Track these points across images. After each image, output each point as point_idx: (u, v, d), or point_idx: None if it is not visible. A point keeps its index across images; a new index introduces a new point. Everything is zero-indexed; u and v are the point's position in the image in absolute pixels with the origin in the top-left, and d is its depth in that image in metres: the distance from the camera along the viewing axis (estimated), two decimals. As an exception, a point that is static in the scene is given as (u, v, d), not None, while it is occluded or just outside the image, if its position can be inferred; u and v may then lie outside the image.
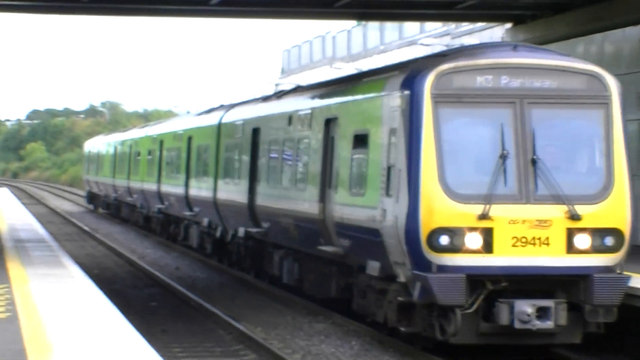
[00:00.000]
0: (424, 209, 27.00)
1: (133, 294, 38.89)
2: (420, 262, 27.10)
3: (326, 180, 33.20)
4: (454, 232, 27.03)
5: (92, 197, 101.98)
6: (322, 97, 37.72)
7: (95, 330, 19.73)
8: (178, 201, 57.30)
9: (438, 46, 55.84)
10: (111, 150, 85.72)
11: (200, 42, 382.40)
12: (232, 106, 51.07)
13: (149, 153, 67.01)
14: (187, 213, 53.86)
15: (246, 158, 44.23)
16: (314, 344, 29.81)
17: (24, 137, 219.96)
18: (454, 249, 27.02)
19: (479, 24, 52.22)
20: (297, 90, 45.75)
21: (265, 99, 46.05)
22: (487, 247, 26.85)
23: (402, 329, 28.73)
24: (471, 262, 27.01)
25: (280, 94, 44.10)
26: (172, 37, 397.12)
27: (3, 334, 18.85)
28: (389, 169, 28.46)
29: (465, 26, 56.76)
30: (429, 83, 27.48)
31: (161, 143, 62.91)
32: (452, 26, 59.62)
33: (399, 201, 27.68)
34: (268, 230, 40.45)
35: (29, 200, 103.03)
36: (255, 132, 43.94)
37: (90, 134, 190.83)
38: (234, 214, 45.17)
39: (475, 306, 26.86)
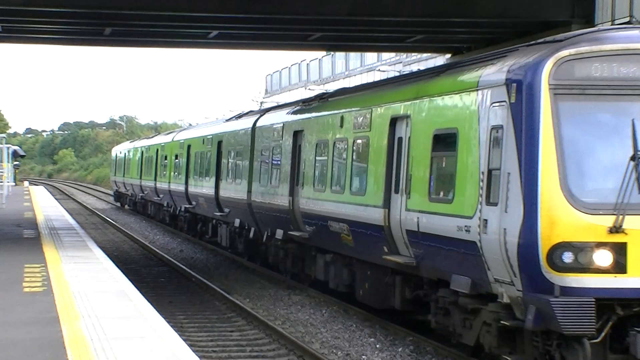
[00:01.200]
0: (544, 220, 20.11)
1: (145, 272, 38.89)
2: (537, 283, 20.27)
3: (392, 184, 25.73)
4: (580, 248, 20.05)
5: (118, 196, 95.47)
6: (384, 95, 28.73)
7: (114, 301, 20.09)
8: (207, 202, 49.23)
9: (392, 72, 55.93)
10: (138, 155, 78.77)
11: (200, 66, 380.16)
12: (266, 111, 43.70)
13: (176, 157, 59.72)
14: (217, 213, 46.04)
15: (286, 161, 36.14)
16: (292, 312, 29.88)
17: (56, 145, 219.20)
18: (579, 267, 20.07)
19: (425, 54, 52.23)
20: (346, 91, 36.18)
21: (307, 101, 37.85)
22: (619, 266, 19.93)
23: (507, 358, 21.59)
24: (600, 284, 20.03)
25: (324, 96, 35.64)
26: (177, 62, 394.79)
27: (40, 304, 19.20)
28: (490, 172, 21.50)
29: (414, 56, 56.73)
30: (546, 72, 20.67)
31: (189, 148, 55.38)
32: (403, 56, 59.56)
33: (508, 211, 20.69)
34: (312, 234, 32.56)
35: (61, 196, 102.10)
36: (297, 134, 35.56)
37: (111, 143, 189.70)
38: (271, 217, 37.55)
39: (602, 335, 19.90)
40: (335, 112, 31.65)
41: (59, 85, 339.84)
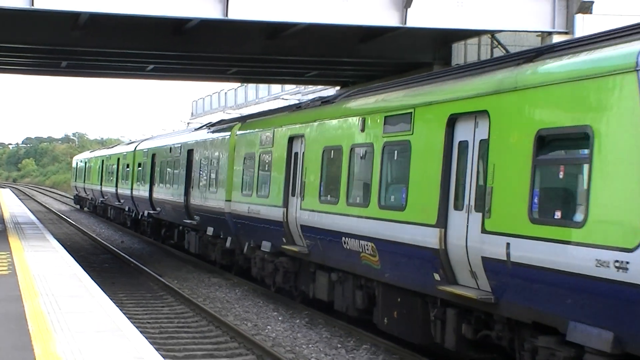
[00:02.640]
0: None
1: (93, 258, 38.52)
2: None
3: (448, 198, 16.75)
4: None
5: (78, 199, 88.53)
6: (440, 90, 18.24)
7: (68, 282, 19.97)
8: (175, 209, 39.92)
9: (293, 100, 55.95)
10: (99, 163, 70.73)
11: (139, 92, 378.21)
12: (247, 118, 33.53)
13: (139, 165, 50.54)
14: (187, 221, 37.26)
15: (279, 171, 25.82)
16: (211, 291, 29.80)
17: (20, 155, 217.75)
18: None
19: (319, 86, 52.30)
20: (369, 90, 23.02)
21: (325, 101, 25.02)
22: None
23: None
24: None
25: (346, 94, 24.09)
26: (121, 88, 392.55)
27: (6, 285, 19.00)
28: None
29: (310, 87, 56.75)
30: None
31: (153, 156, 46.35)
32: (302, 87, 59.62)
33: None
34: (314, 249, 23.04)
35: (24, 197, 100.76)
36: (292, 140, 25.13)
37: (66, 154, 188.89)
38: (256, 228, 27.72)
39: None
40: (369, 108, 20.64)
41: (23, 105, 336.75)
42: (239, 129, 31.26)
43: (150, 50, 33.94)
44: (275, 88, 68.25)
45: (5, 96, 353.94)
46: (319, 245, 22.58)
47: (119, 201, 58.46)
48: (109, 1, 25.87)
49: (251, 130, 29.92)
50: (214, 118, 64.13)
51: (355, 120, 20.85)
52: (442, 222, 16.39)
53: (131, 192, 52.22)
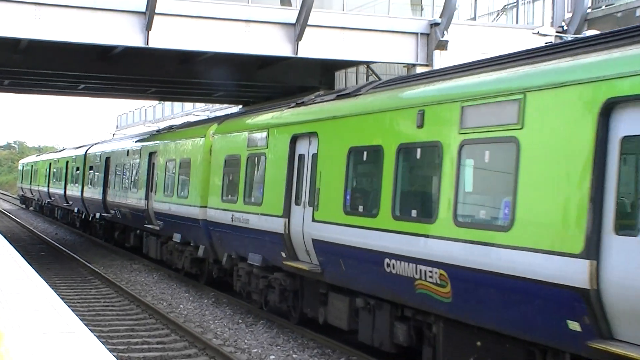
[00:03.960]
0: None
1: (31, 247, 37.93)
2: None
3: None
4: None
5: (24, 200, 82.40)
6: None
7: (9, 267, 19.54)
8: (133, 213, 32.59)
9: (202, 115, 55.75)
10: (46, 166, 62.96)
11: (71, 106, 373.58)
12: (226, 117, 26.08)
13: (91, 168, 43.35)
14: (149, 226, 29.84)
15: (278, 176, 18.94)
16: (133, 276, 29.56)
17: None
18: None
19: (225, 105, 52.14)
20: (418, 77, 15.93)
21: (343, 94, 17.74)
22: None
23: None
24: None
25: (375, 85, 17.19)
26: (55, 102, 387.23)
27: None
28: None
29: (217, 105, 56.54)
30: None
31: (107, 159, 39.08)
32: (210, 105, 59.38)
33: None
34: (327, 268, 16.58)
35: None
36: (295, 140, 18.43)
37: (7, 159, 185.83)
38: (241, 239, 21.07)
39: None
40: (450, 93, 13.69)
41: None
42: (216, 131, 23.82)
43: (81, 72, 33.52)
44: (188, 105, 67.88)
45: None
46: (340, 265, 15.58)
47: (67, 202, 51.18)
48: (45, 30, 25.56)
49: (234, 131, 22.54)
50: (136, 130, 63.59)
51: (409, 114, 13.88)
52: (593, 251, 9.93)
53: (81, 194, 44.99)
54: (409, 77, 16.66)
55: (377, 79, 31.15)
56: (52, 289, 16.85)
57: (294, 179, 18.14)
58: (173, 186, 27.14)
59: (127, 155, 35.03)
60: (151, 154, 30.68)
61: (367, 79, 33.08)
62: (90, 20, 25.93)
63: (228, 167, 22.30)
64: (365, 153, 15.50)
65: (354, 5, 29.19)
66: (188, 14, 26.69)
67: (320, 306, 17.40)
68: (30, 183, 72.70)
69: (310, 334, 18.43)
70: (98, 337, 13.44)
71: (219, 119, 25.24)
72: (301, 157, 17.97)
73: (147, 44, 26.37)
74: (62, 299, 16.01)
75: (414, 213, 13.64)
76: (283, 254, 18.30)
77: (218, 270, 24.22)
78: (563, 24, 29.59)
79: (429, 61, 28.30)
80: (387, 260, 13.87)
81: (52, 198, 58.54)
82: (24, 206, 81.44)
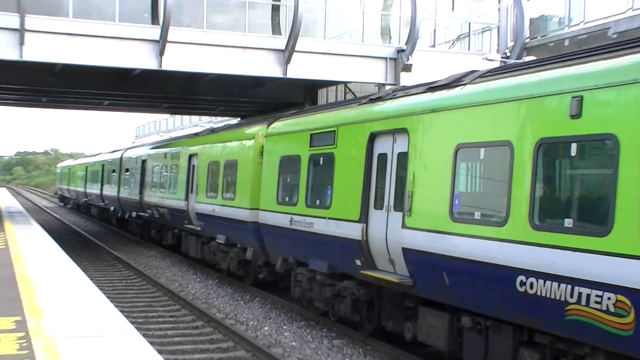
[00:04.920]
0: None
1: (65, 237, 37.83)
2: None
3: None
4: None
5: (62, 198, 77.92)
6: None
7: (46, 254, 19.62)
8: (172, 213, 28.94)
9: (207, 126, 55.62)
10: (82, 169, 59.13)
11: (98, 119, 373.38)
12: (279, 117, 20.77)
13: (127, 170, 39.62)
14: (190, 226, 26.22)
15: (350, 176, 14.83)
16: (150, 261, 29.58)
17: (12, 164, 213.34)
18: None
19: (226, 117, 52.05)
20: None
21: (438, 86, 12.90)
22: None
23: None
24: None
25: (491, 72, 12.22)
26: (84, 115, 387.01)
27: (2, 256, 18.51)
28: None
29: (219, 118, 56.44)
30: None
31: (143, 162, 35.46)
32: (213, 118, 59.22)
33: None
34: (422, 281, 12.30)
35: (15, 194, 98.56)
36: (374, 138, 14.17)
37: (45, 163, 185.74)
38: (303, 244, 16.89)
39: None
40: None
41: (15, 127, 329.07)
42: (268, 132, 19.81)
43: (106, 90, 33.58)
44: (195, 118, 67.73)
45: (1, 121, 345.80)
46: (443, 279, 11.61)
47: (104, 202, 47.47)
48: (76, 55, 25.60)
49: (291, 132, 18.35)
50: (152, 139, 63.36)
51: (557, 102, 9.69)
52: None
53: (118, 195, 41.36)
54: (538, 61, 11.38)
55: (353, 96, 31.36)
56: (83, 271, 16.95)
57: (372, 180, 14.10)
58: (217, 188, 23.54)
59: (165, 158, 31.56)
60: (191, 156, 27.32)
61: (344, 97, 33.20)
62: (113, 47, 25.99)
63: (284, 169, 18.23)
64: (482, 151, 11.21)
65: (333, 34, 29.28)
66: (194, 42, 26.75)
67: (407, 321, 13.44)
68: (68, 184, 69.62)
69: (298, 309, 18.46)
70: (121, 311, 13.54)
71: (267, 120, 21.05)
72: (382, 156, 13.93)
73: (161, 67, 26.41)
74: (90, 279, 16.12)
75: (568, 223, 9.47)
76: (358, 262, 14.28)
77: (268, 273, 20.34)
78: (507, 51, 29.81)
79: (397, 81, 28.42)
80: (521, 278, 9.93)
81: (89, 197, 55.07)
82: (62, 204, 78.65)
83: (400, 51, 28.55)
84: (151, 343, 11.78)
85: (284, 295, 19.55)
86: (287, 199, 17.86)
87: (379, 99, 14.80)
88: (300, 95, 33.83)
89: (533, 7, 30.05)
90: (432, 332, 12.39)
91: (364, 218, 14.08)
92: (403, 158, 13.09)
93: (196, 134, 28.66)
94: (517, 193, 10.21)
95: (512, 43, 29.89)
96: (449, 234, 11.45)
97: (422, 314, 12.73)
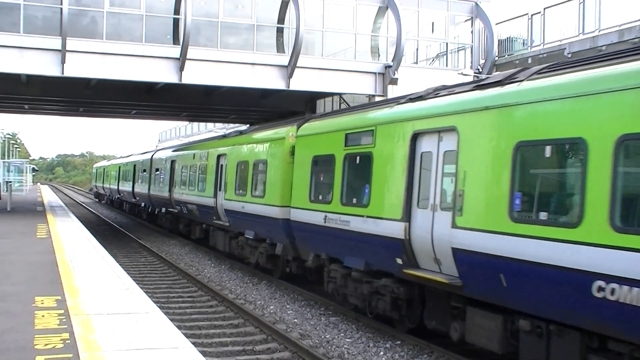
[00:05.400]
0: None
1: (98, 227, 37.85)
2: None
3: None
4: None
5: (97, 195, 75.62)
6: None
7: (82, 242, 19.70)
8: (201, 209, 26.78)
9: (221, 131, 55.51)
10: (115, 168, 57.29)
11: (126, 126, 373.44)
12: (309, 118, 18.76)
13: (157, 170, 37.83)
14: (218, 222, 24.34)
15: (390, 174, 12.96)
16: (171, 248, 29.52)
17: (54, 165, 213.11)
18: None
19: (238, 124, 52.08)
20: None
21: (487, 83, 11.31)
22: None
23: None
24: None
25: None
26: (115, 123, 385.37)
27: (45, 244, 18.69)
28: None
29: (232, 125, 56.43)
30: None
31: (172, 162, 33.85)
32: (227, 125, 59.20)
33: None
34: (473, 282, 10.47)
35: (55, 190, 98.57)
36: (416, 138, 12.33)
37: (82, 164, 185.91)
38: (337, 242, 14.96)
39: None
40: None
41: (56, 133, 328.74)
42: (299, 132, 17.83)
43: (133, 101, 33.62)
44: (210, 125, 67.64)
45: (44, 128, 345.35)
46: (500, 281, 9.89)
47: (135, 198, 45.89)
48: (108, 72, 25.72)
49: (324, 132, 16.41)
50: (174, 143, 63.36)
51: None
52: None
53: (148, 192, 39.66)
54: (593, 58, 9.67)
55: (347, 105, 31.42)
56: (113, 257, 17.05)
57: (415, 179, 12.25)
58: (246, 186, 21.46)
59: (194, 158, 29.53)
60: (219, 157, 25.24)
61: (339, 106, 33.24)
62: (140, 64, 26.09)
63: (317, 168, 16.38)
64: (548, 148, 9.33)
65: (330, 52, 29.36)
66: (210, 59, 26.84)
67: (453, 321, 11.72)
68: (103, 182, 68.15)
69: (299, 290, 18.48)
70: (146, 292, 13.63)
71: (296, 122, 19.03)
72: (426, 155, 12.13)
73: (181, 81, 26.52)
74: (119, 265, 16.21)
75: None
76: (399, 261, 12.50)
77: (297, 268, 18.71)
78: (479, 67, 29.92)
79: (385, 93, 28.50)
80: (599, 283, 8.14)
81: (121, 194, 53.57)
82: (97, 200, 76.60)
83: (387, 67, 28.65)
84: (172, 320, 11.89)
85: (288, 279, 19.49)
86: (320, 197, 16.00)
87: (420, 98, 12.98)
88: (301, 105, 33.88)
89: (501, 30, 30.15)
90: (484, 333, 10.67)
91: (406, 217, 12.24)
92: (450, 156, 11.35)
93: (224, 136, 26.56)
94: (593, 192, 8.38)
95: (484, 60, 30.01)
96: (508, 234, 9.64)
97: (470, 315, 10.98)
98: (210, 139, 31.56)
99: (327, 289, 15.94)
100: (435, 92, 12.82)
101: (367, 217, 13.55)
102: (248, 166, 21.50)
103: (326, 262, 15.78)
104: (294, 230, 17.41)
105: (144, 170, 42.56)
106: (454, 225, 10.86)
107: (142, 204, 43.37)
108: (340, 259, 15.00)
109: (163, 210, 36.13)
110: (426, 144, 12.16)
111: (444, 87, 13.05)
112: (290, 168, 18.08)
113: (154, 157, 40.46)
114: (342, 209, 14.66)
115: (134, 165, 47.18)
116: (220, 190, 24.49)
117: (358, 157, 14.43)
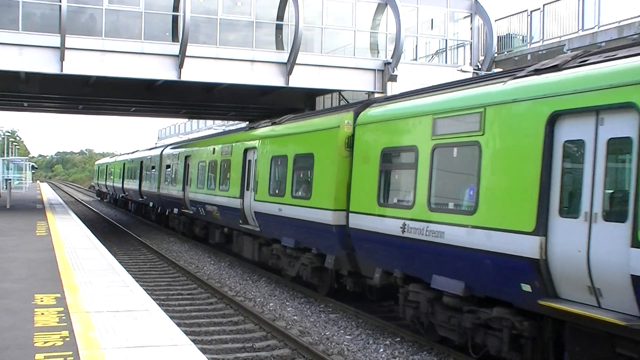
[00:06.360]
0: None
1: (98, 225, 37.88)
2: None
3: None
4: None
5: (99, 193, 72.46)
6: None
7: (81, 239, 19.64)
8: (223, 211, 23.14)
9: (220, 128, 55.54)
10: (120, 166, 53.06)
11: (126, 123, 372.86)
12: (368, 103, 14.97)
13: (168, 167, 33.90)
14: (247, 226, 20.64)
15: (516, 169, 9.26)
16: (170, 245, 29.48)
17: (53, 162, 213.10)
18: None
19: (236, 121, 52.02)
20: None
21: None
22: None
23: None
24: None
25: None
26: (114, 120, 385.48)
27: (44, 241, 18.62)
28: None
29: (231, 122, 56.39)
30: None
31: (186, 158, 29.97)
32: (226, 122, 59.12)
33: None
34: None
35: (54, 188, 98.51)
36: (554, 120, 8.70)
37: (81, 162, 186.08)
38: (421, 258, 11.35)
39: None
40: None
41: (55, 131, 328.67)
42: (361, 119, 14.34)
43: (133, 99, 33.63)
44: (209, 122, 67.60)
45: (43, 126, 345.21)
46: None
47: (142, 197, 42.04)
48: (108, 69, 25.69)
49: (399, 116, 12.81)
50: (173, 140, 63.28)
51: None
52: None
53: (158, 191, 35.88)
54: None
55: (347, 102, 31.41)
56: (112, 255, 17.02)
57: (554, 178, 9.03)
58: (284, 185, 17.92)
59: (213, 153, 25.55)
60: (247, 151, 21.53)
61: (339, 103, 33.22)
62: (140, 62, 26.05)
63: (389, 163, 13.10)
64: None
65: (329, 49, 29.32)
66: (209, 56, 26.81)
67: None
68: (105, 180, 63.90)
69: (299, 287, 18.43)
70: (145, 289, 13.62)
71: (353, 107, 15.44)
72: (573, 145, 8.88)
73: (180, 78, 26.50)
74: (119, 262, 16.18)
75: None
76: (526, 288, 9.25)
77: (354, 284, 15.29)
78: (478, 64, 29.90)
79: (384, 90, 28.50)
80: None
81: (127, 193, 49.43)
82: (99, 198, 73.11)
83: (386, 64, 28.63)
84: (171, 317, 11.87)
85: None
86: (395, 200, 12.70)
87: (555, 68, 9.59)
88: (300, 102, 33.89)
89: (500, 26, 30.13)
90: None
91: (542, 229, 8.94)
92: (620, 146, 8.19)
93: (253, 127, 22.48)
94: None
95: (483, 57, 29.99)
96: None
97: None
98: (232, 131, 27.52)
99: (402, 315, 12.77)
100: (581, 59, 9.38)
101: (474, 227, 10.12)
102: (287, 161, 17.85)
103: (399, 281, 12.60)
104: (354, 240, 14.07)
105: (153, 167, 38.68)
106: (634, 244, 7.70)
107: (151, 204, 39.92)
108: (424, 278, 11.69)
109: (175, 211, 32.17)
110: (572, 130, 8.79)
111: (588, 53, 9.73)
112: (345, 163, 14.73)
113: (164, 152, 36.25)
114: (431, 216, 11.23)
115: (141, 162, 43.13)
116: (248, 189, 20.94)
117: (455, 149, 10.95)
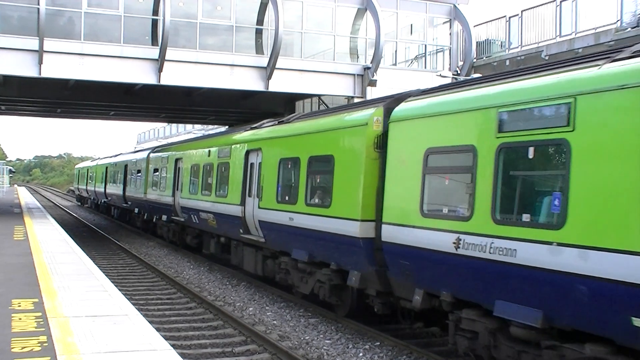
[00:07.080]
0: None
1: (76, 229, 37.55)
2: None
3: None
4: None
5: (80, 198, 68.29)
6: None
7: (60, 245, 19.52)
8: (221, 219, 20.67)
9: (199, 133, 55.44)
10: (102, 170, 49.99)
11: (105, 127, 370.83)
12: (402, 96, 12.58)
13: (155, 170, 31.30)
14: (249, 236, 18.07)
15: (628, 172, 6.81)
16: (149, 250, 29.33)
17: (31, 167, 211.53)
18: None
19: (216, 125, 51.95)
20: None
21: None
22: None
23: None
24: None
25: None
26: (93, 124, 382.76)
27: (22, 246, 18.48)
28: None
29: (210, 126, 56.26)
30: None
31: (177, 161, 27.29)
32: (206, 126, 59.02)
33: None
34: None
35: (32, 192, 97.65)
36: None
37: (59, 166, 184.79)
38: (491, 279, 8.83)
39: None
40: None
41: (33, 134, 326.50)
42: (396, 114, 12.03)
43: (112, 102, 33.49)
44: (188, 126, 67.46)
45: (21, 129, 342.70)
46: None
47: (126, 203, 39.22)
48: (87, 73, 25.60)
49: (450, 110, 10.47)
50: (153, 144, 62.97)
51: None
52: None
53: (144, 196, 33.19)
54: None
55: (326, 107, 31.46)
56: (91, 259, 16.92)
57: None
58: (296, 191, 15.61)
59: (209, 155, 23.10)
60: (249, 153, 19.10)
61: (318, 107, 33.28)
62: (119, 65, 25.98)
63: (435, 166, 10.84)
64: None
65: (309, 54, 29.39)
66: (189, 60, 26.79)
67: None
68: (86, 184, 60.54)
69: (279, 291, 18.41)
70: (125, 294, 13.56)
71: (382, 102, 13.21)
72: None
73: (159, 82, 26.45)
74: (98, 267, 16.09)
75: None
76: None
77: (382, 306, 13.20)
78: (457, 69, 30.09)
79: (363, 94, 28.61)
80: None
81: (109, 198, 46.17)
82: (79, 203, 69.55)
83: (366, 68, 28.74)
84: (151, 322, 11.83)
85: (267, 281, 18.72)
86: (445, 210, 10.54)
87: None
88: (281, 106, 33.90)
89: (479, 32, 30.35)
90: None
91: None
92: None
93: (256, 127, 20.07)
94: None
95: (462, 62, 30.18)
96: None
97: None
98: (230, 131, 25.54)
99: (453, 344, 10.66)
100: None
101: (560, 244, 8.12)
102: (299, 165, 15.61)
103: (447, 305, 10.58)
104: (388, 256, 11.87)
105: (139, 171, 35.76)
106: None
107: (136, 210, 36.71)
108: (483, 304, 9.74)
109: (164, 218, 29.48)
110: None
111: None
112: (375, 167, 12.60)
113: (151, 155, 33.58)
114: (497, 230, 9.15)
115: (126, 165, 40.01)
116: (250, 196, 18.58)
117: (532, 149, 8.77)
